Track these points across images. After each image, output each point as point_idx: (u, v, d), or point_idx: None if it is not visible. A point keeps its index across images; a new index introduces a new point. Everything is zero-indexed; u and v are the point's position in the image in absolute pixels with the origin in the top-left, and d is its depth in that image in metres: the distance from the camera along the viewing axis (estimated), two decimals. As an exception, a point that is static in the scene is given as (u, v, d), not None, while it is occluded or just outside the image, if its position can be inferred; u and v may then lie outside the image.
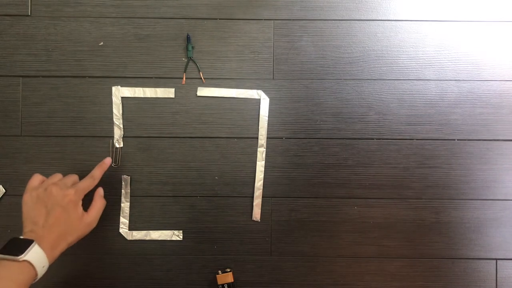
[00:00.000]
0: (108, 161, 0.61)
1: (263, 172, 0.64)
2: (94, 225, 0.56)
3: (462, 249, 0.65)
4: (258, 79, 0.65)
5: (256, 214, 0.64)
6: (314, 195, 0.65)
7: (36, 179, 0.56)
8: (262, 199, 0.65)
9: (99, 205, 0.57)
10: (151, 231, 0.64)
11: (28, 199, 0.53)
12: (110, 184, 0.64)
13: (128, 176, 0.64)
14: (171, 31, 0.65)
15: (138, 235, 0.64)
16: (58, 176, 0.57)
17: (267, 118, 0.64)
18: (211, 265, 0.65)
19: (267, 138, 0.65)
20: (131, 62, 0.65)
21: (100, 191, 0.59)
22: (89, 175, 0.58)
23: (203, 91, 0.64)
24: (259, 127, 0.64)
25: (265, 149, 0.65)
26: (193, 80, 0.65)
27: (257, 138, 0.65)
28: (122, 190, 0.64)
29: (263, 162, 0.64)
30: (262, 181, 0.64)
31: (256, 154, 0.65)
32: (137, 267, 0.65)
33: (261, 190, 0.64)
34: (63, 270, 0.62)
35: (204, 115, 0.65)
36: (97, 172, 0.59)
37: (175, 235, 0.64)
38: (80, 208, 0.54)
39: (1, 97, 0.64)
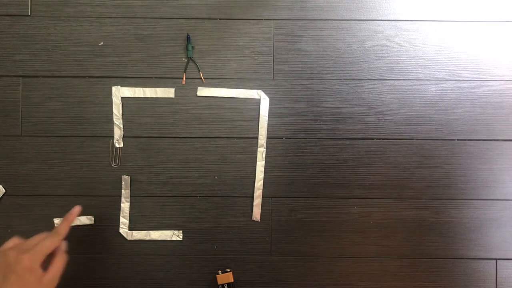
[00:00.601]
0: (76, 210, 0.56)
1: (263, 172, 0.65)
2: (54, 284, 0.51)
3: (462, 249, 0.65)
4: (258, 79, 0.65)
5: (256, 214, 0.64)
6: (314, 195, 0.65)
7: (10, 242, 0.52)
8: (262, 199, 0.65)
9: (59, 264, 0.52)
10: (151, 231, 0.64)
11: None
12: (110, 184, 0.64)
13: (128, 176, 0.64)
14: (171, 31, 0.65)
15: (138, 235, 0.64)
16: (29, 240, 0.52)
17: (267, 118, 0.64)
18: (211, 265, 0.65)
19: (267, 138, 0.65)
20: (131, 62, 0.65)
21: (62, 246, 0.54)
22: (54, 231, 0.53)
23: (203, 91, 0.64)
24: (259, 127, 0.64)
25: (265, 149, 0.65)
26: (193, 80, 0.65)
27: (257, 138, 0.65)
28: (122, 190, 0.64)
29: (263, 162, 0.64)
30: (262, 181, 0.64)
31: (256, 154, 0.65)
32: (137, 267, 0.65)
33: (261, 190, 0.64)
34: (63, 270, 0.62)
35: (204, 115, 0.65)
36: (62, 227, 0.54)
37: (175, 235, 0.64)
38: (38, 272, 0.50)
39: (1, 97, 0.64)
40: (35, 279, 0.50)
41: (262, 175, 0.65)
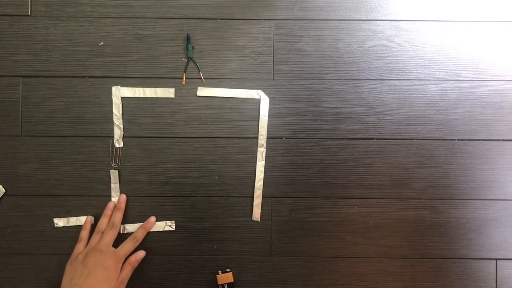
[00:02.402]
0: (153, 220, 0.64)
1: (263, 172, 0.64)
2: (125, 283, 0.60)
3: (462, 249, 0.65)
4: (258, 79, 0.65)
5: (256, 214, 0.64)
6: (314, 195, 0.65)
7: (80, 246, 0.60)
8: (262, 199, 0.65)
9: (127, 271, 0.60)
10: (143, 224, 0.64)
11: (69, 268, 0.58)
12: (109, 184, 0.64)
13: (116, 170, 0.64)
14: (171, 31, 0.65)
15: (130, 228, 0.64)
16: (97, 238, 0.60)
17: (267, 118, 0.64)
18: (211, 265, 0.65)
19: (267, 138, 0.65)
20: (131, 62, 0.65)
21: (140, 254, 0.62)
22: (132, 236, 0.62)
23: (203, 91, 0.64)
24: (259, 127, 0.64)
25: (265, 149, 0.65)
26: (193, 80, 0.65)
27: (257, 138, 0.65)
28: (112, 185, 0.64)
29: (263, 162, 0.64)
30: (262, 181, 0.64)
31: (256, 154, 0.65)
32: (137, 267, 0.64)
33: (261, 190, 0.64)
34: (63, 270, 0.62)
35: (204, 115, 0.65)
36: (140, 233, 0.62)
37: (168, 226, 0.64)
38: (119, 269, 0.59)
39: (1, 97, 0.64)
40: (116, 275, 0.58)
41: (262, 175, 0.64)
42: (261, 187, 0.64)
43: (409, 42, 0.65)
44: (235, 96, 0.65)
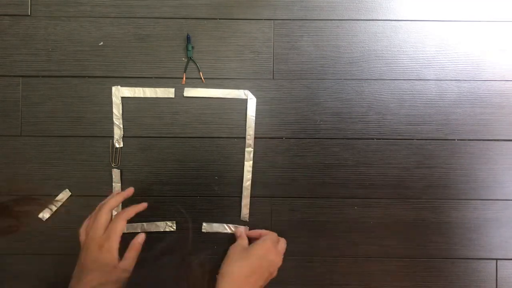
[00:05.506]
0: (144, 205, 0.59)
1: (251, 172, 0.64)
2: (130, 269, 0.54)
3: (462, 249, 0.65)
4: (258, 79, 0.65)
5: (244, 214, 0.64)
6: (314, 195, 0.65)
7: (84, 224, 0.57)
8: (261, 199, 0.64)
9: (132, 254, 0.55)
10: (144, 223, 0.64)
11: None
12: (110, 184, 0.64)
13: (119, 169, 0.64)
14: (171, 31, 0.65)
15: (131, 227, 0.64)
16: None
17: (254, 118, 0.64)
18: (211, 265, 0.65)
19: (267, 138, 0.65)
20: (131, 62, 0.65)
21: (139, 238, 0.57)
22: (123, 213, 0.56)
23: (189, 92, 0.64)
24: (247, 127, 0.64)
25: (253, 149, 0.64)
26: (193, 80, 0.65)
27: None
28: (113, 184, 0.64)
29: (251, 162, 0.64)
30: (250, 181, 0.64)
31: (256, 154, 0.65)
32: (137, 267, 0.64)
33: (249, 190, 0.64)
34: (63, 270, 0.62)
35: (204, 115, 0.65)
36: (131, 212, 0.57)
37: (168, 226, 0.64)
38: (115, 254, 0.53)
39: (1, 97, 0.64)
40: (110, 261, 0.52)
41: (250, 175, 0.64)
42: (249, 187, 0.64)
43: (409, 42, 0.65)
44: (221, 96, 0.64)
